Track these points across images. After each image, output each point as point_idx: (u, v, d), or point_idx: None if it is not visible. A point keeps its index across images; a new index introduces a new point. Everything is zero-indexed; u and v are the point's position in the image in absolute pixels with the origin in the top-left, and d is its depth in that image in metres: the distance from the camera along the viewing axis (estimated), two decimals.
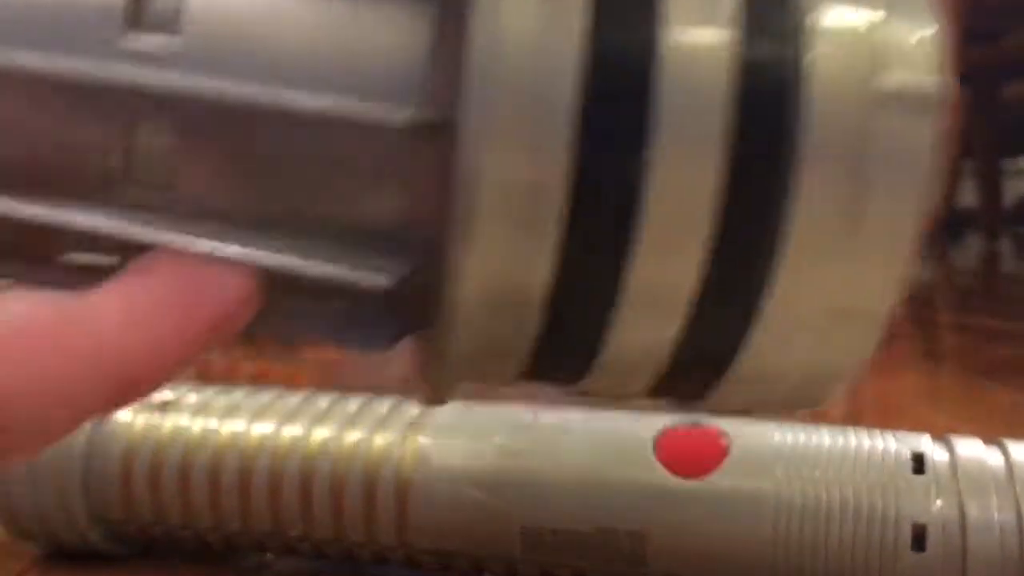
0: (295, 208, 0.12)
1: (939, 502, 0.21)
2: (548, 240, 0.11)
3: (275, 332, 0.13)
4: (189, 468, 0.26)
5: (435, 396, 0.12)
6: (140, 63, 0.11)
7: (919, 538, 0.21)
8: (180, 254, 0.11)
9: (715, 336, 0.11)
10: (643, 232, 0.11)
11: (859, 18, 0.11)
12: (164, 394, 0.27)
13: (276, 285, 0.11)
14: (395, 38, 0.11)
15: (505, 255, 0.11)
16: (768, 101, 0.11)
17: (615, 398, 0.13)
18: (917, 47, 0.11)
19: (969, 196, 2.21)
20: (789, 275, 0.11)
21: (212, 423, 0.26)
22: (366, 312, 0.12)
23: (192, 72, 0.11)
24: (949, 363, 0.66)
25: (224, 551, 0.28)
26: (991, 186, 2.07)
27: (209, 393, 0.27)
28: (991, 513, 0.21)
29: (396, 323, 0.12)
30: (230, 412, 0.26)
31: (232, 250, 0.11)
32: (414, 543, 0.25)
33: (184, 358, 0.11)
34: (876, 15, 0.11)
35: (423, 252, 0.11)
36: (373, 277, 0.11)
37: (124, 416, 0.27)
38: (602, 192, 0.11)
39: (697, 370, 0.12)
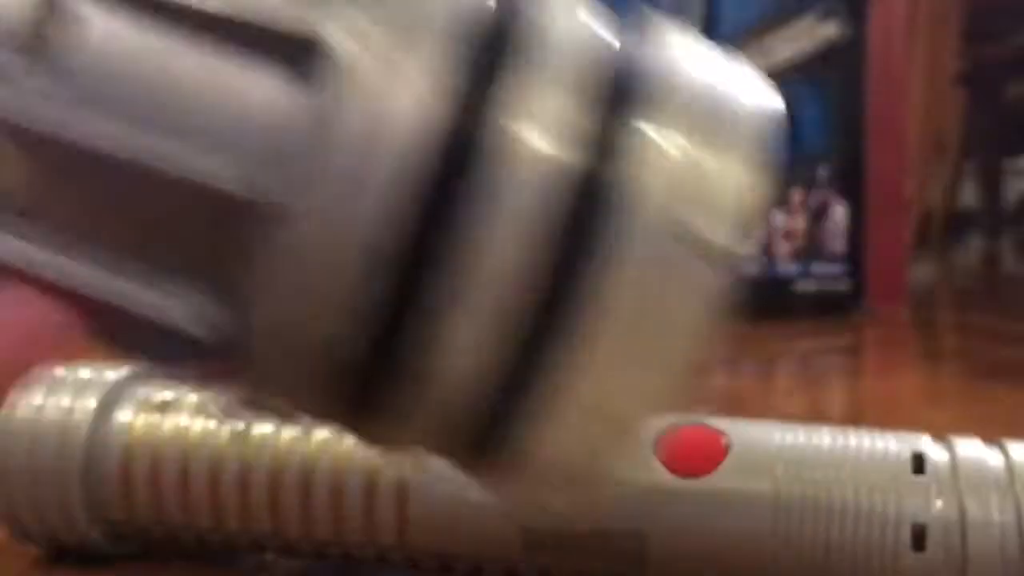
0: (132, 249, 0.13)
1: (939, 502, 0.21)
2: (349, 293, 0.12)
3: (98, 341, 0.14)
4: (189, 468, 0.26)
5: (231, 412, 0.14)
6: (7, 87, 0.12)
7: (919, 538, 0.21)
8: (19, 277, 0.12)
9: (497, 421, 0.12)
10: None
11: (689, 143, 0.12)
12: (164, 394, 0.27)
13: (105, 313, 0.12)
14: (263, 105, 0.12)
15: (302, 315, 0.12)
16: (583, 208, 0.12)
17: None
18: (731, 197, 0.13)
19: (970, 196, 2.22)
20: (572, 370, 0.12)
21: (212, 423, 0.26)
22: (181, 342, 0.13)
23: (58, 105, 0.12)
24: (950, 363, 0.66)
25: (224, 551, 0.28)
26: (992, 186, 2.07)
27: (209, 393, 0.27)
28: (991, 513, 0.21)
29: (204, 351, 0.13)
30: None
31: (73, 276, 0.12)
32: (414, 544, 0.25)
33: None
34: (708, 146, 0.12)
35: (236, 302, 0.12)
36: (191, 324, 0.12)
37: (124, 416, 0.27)
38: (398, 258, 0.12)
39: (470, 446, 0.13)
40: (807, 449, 0.22)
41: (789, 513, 0.22)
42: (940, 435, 0.23)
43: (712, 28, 0.89)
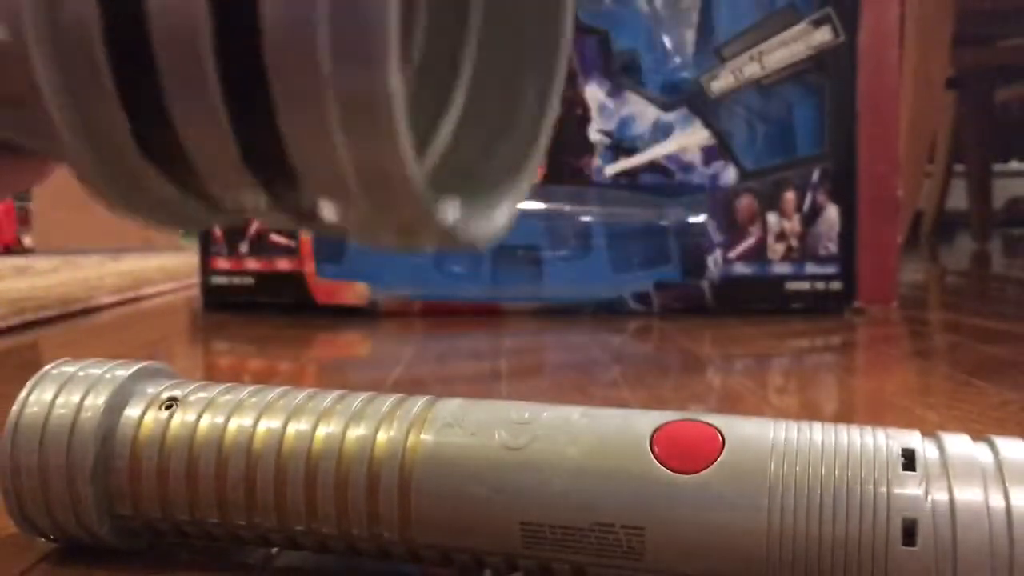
0: None
1: (929, 497, 0.22)
2: None
3: None
4: (196, 464, 0.26)
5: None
6: None
7: (910, 532, 0.21)
8: None
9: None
10: None
11: None
12: (172, 391, 0.28)
13: None
14: None
15: None
16: None
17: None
18: None
19: (960, 198, 2.23)
20: None
21: (218, 420, 0.27)
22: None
23: None
24: (940, 361, 0.67)
25: (230, 545, 0.28)
26: (982, 188, 2.08)
27: (215, 391, 0.28)
28: (981, 507, 0.21)
29: None
30: (236, 409, 0.27)
31: None
32: (416, 538, 0.25)
33: None
34: None
35: None
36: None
37: (133, 412, 0.27)
38: None
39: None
40: (800, 445, 0.23)
41: (782, 508, 0.22)
42: (930, 432, 0.24)
43: (707, 35, 0.90)
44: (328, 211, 0.14)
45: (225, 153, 0.13)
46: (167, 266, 1.51)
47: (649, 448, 0.24)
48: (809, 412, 0.49)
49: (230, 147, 0.13)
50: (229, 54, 0.12)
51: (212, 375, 0.62)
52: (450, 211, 0.14)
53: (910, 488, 0.22)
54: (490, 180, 0.16)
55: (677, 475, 0.23)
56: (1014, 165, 2.57)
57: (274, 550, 0.29)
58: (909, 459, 0.22)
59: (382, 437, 0.25)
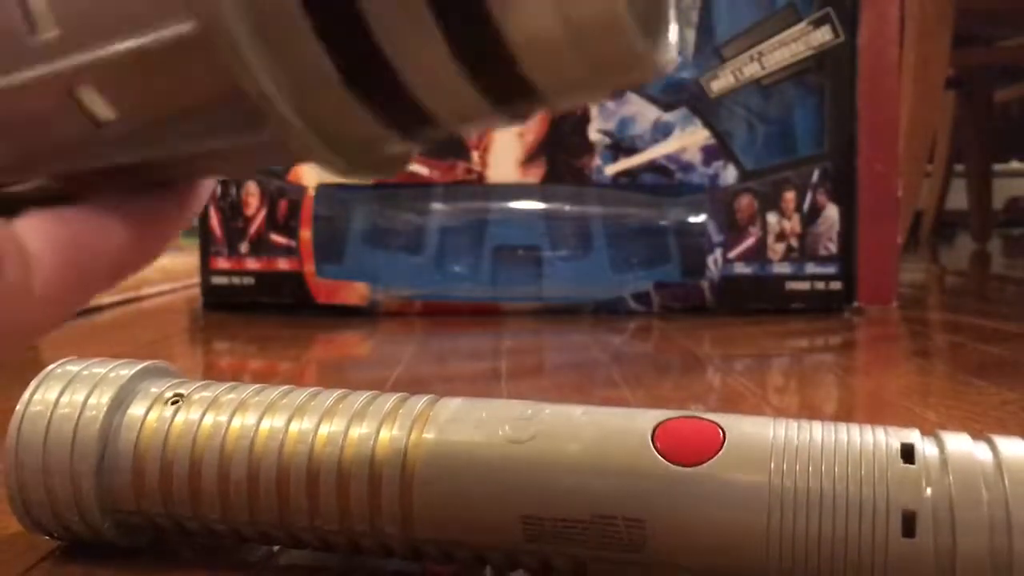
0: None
1: (929, 490, 0.22)
2: None
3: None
4: (199, 462, 0.26)
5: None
6: None
7: (909, 525, 0.21)
8: None
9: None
10: None
11: None
12: (175, 390, 0.28)
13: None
14: None
15: None
16: None
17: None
18: None
19: (960, 198, 2.23)
20: None
21: (221, 418, 0.27)
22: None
23: None
24: (939, 362, 0.67)
25: (232, 543, 0.28)
26: (981, 188, 2.08)
27: (219, 389, 0.28)
28: (980, 500, 0.21)
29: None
30: (240, 407, 0.27)
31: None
32: (417, 534, 0.25)
33: None
34: None
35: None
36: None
37: (136, 411, 0.27)
38: None
39: None
40: (800, 440, 0.23)
41: (782, 500, 0.22)
42: (930, 431, 0.24)
43: (707, 35, 0.90)
44: (537, 75, 0.14)
45: (434, 51, 0.14)
46: (167, 266, 1.51)
47: (651, 442, 0.24)
48: (809, 412, 0.50)
49: (439, 46, 0.13)
50: None
51: (212, 375, 0.63)
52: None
53: (910, 481, 0.22)
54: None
55: (678, 467, 0.23)
56: (1014, 165, 2.57)
57: (275, 548, 0.29)
58: (908, 454, 0.22)
59: (384, 435, 0.26)
